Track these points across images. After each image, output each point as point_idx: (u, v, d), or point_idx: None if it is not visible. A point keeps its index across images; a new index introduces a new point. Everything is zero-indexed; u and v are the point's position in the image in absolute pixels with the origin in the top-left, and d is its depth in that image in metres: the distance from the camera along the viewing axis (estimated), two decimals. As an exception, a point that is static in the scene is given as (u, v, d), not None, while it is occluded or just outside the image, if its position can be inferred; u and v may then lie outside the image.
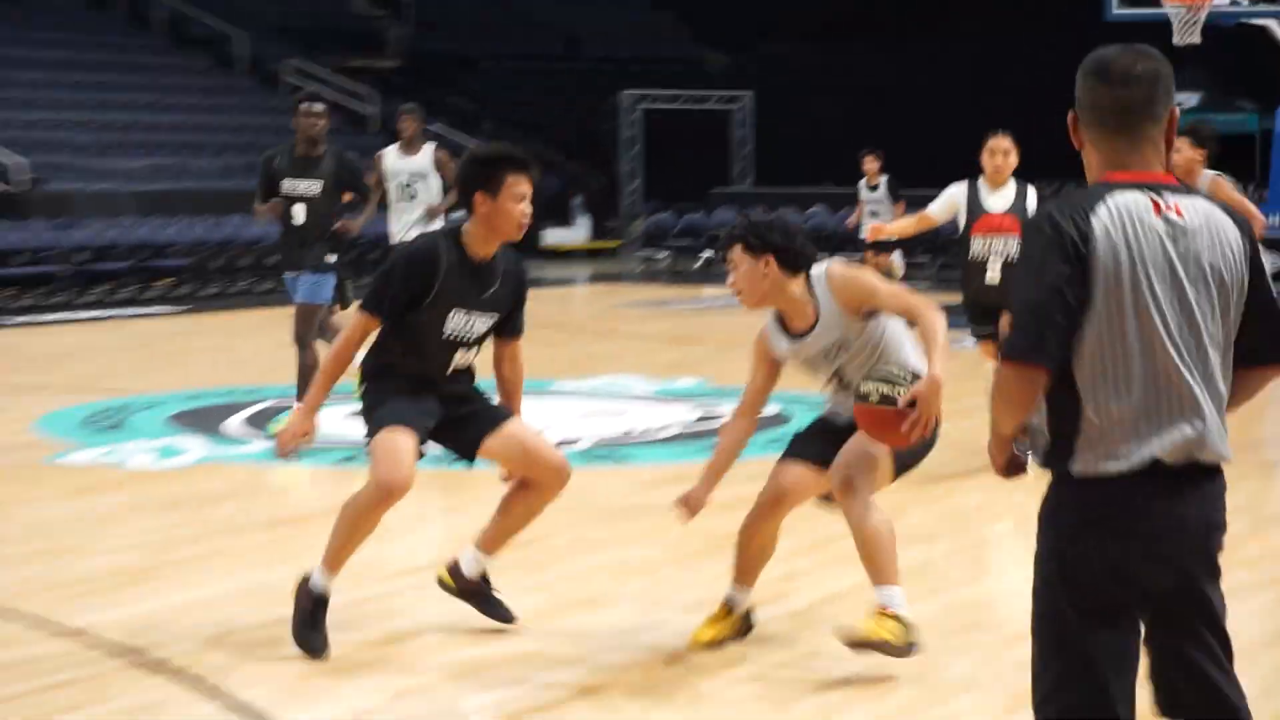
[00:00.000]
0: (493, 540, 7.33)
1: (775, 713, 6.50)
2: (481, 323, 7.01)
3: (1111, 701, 4.11)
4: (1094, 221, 4.01)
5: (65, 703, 6.58)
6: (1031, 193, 11.32)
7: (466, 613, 7.63)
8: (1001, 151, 11.23)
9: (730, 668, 7.08)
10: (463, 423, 7.08)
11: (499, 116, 39.91)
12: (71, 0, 38.06)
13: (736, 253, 6.87)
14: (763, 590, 7.51)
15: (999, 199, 11.29)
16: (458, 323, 6.89)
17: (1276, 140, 28.27)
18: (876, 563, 6.91)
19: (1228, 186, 10.90)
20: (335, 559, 6.93)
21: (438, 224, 15.59)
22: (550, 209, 37.23)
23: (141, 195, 29.15)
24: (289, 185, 12.33)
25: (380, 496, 6.82)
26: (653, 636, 7.56)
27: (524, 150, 7.06)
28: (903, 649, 6.72)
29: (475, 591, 7.37)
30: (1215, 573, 4.16)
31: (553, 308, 25.72)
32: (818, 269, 6.91)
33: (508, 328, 7.22)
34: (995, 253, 11.31)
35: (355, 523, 6.90)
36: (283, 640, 6.90)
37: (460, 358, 7.04)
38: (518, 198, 6.75)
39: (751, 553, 7.39)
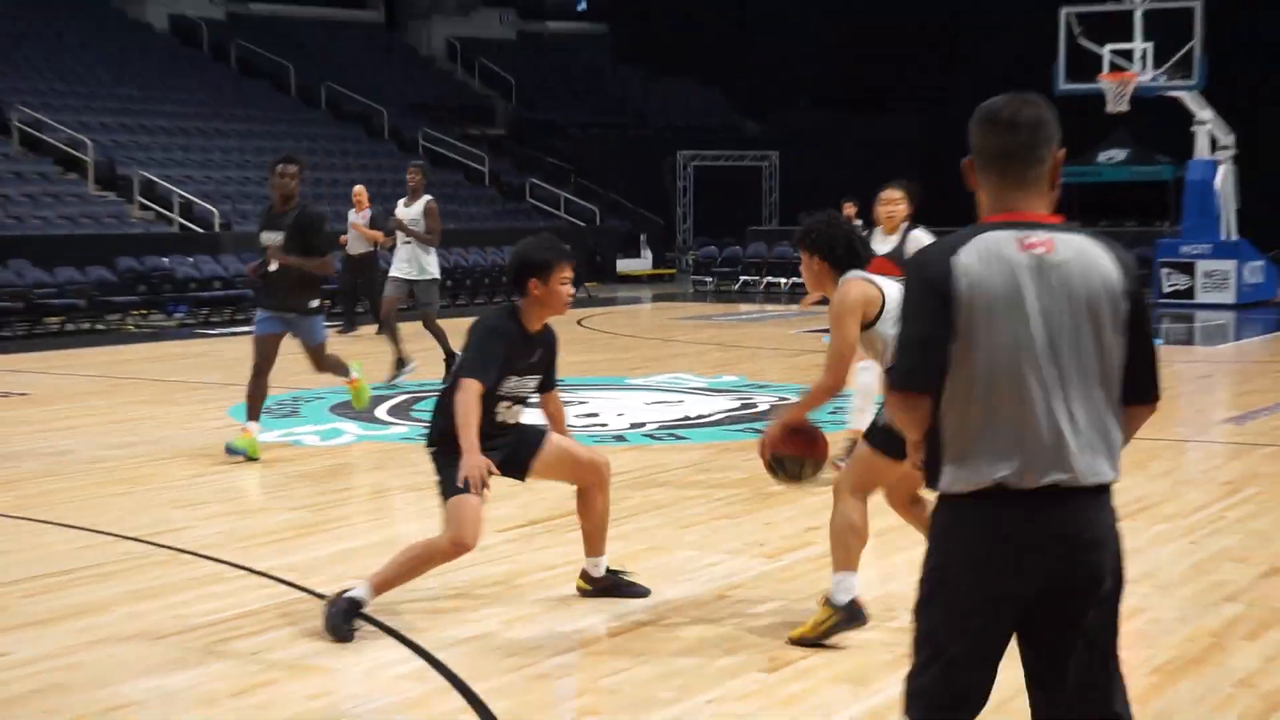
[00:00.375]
0: (594, 543, 7.04)
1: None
2: (530, 383, 6.74)
3: (964, 688, 3.69)
4: (956, 260, 3.58)
5: (252, 627, 6.63)
6: (916, 236, 10.23)
7: (557, 560, 7.66)
8: (889, 201, 10.31)
9: (764, 602, 7.08)
10: (511, 452, 6.74)
11: (582, 172, 39.94)
12: (257, 86, 38.21)
13: (802, 249, 6.68)
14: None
15: (884, 244, 10.30)
16: (513, 385, 6.61)
17: (1187, 186, 28.09)
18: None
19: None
20: (384, 585, 6.52)
21: (431, 256, 15.85)
22: (623, 244, 37.27)
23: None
24: (265, 237, 10.97)
25: (451, 553, 6.46)
26: (707, 574, 7.57)
27: (566, 245, 6.85)
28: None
29: (610, 585, 7.08)
30: (1090, 588, 3.64)
31: (624, 320, 25.73)
32: (844, 276, 6.60)
33: (545, 383, 6.90)
34: None
35: (416, 566, 6.54)
36: (414, 582, 6.91)
37: (509, 412, 6.69)
38: (564, 281, 6.60)
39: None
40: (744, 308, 28.51)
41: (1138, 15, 27.01)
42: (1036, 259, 3.59)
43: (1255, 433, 12.29)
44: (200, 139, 32.67)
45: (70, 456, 10.72)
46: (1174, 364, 17.00)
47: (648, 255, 37.81)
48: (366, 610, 6.49)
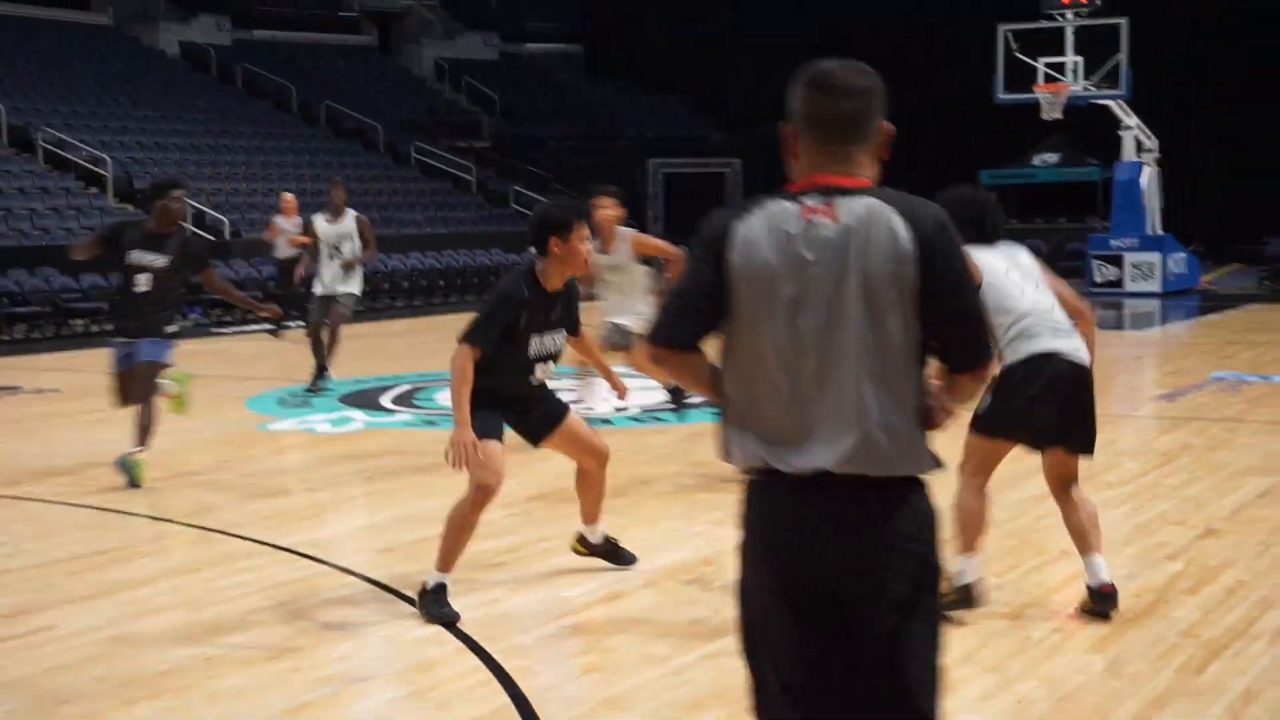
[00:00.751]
0: (593, 512, 6.99)
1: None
2: (557, 338, 6.59)
3: (795, 701, 3.10)
4: (737, 226, 3.14)
5: (281, 597, 6.64)
6: (622, 233, 10.28)
7: (556, 533, 7.67)
8: (600, 208, 10.00)
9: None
10: (533, 417, 6.64)
11: (562, 180, 39.96)
12: (262, 106, 38.08)
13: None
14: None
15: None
16: (540, 345, 6.45)
17: (1115, 186, 28.19)
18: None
19: (645, 239, 10.34)
20: (447, 560, 6.31)
21: (357, 273, 14.23)
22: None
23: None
24: (136, 256, 9.65)
25: (480, 498, 6.27)
26: (693, 544, 7.60)
27: (581, 205, 6.78)
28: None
29: (605, 550, 7.06)
30: (871, 586, 3.04)
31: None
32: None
33: (570, 330, 6.79)
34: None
35: (461, 526, 6.31)
36: (427, 554, 6.91)
37: (545, 371, 6.56)
38: (583, 239, 6.46)
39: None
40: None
41: (1069, 31, 27.11)
42: (815, 228, 3.09)
43: (1184, 408, 12.36)
44: (211, 155, 32.55)
45: (102, 447, 10.70)
46: (1108, 347, 17.09)
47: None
48: (418, 586, 6.49)
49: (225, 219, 28.40)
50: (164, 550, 7.72)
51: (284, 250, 20.25)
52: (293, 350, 17.56)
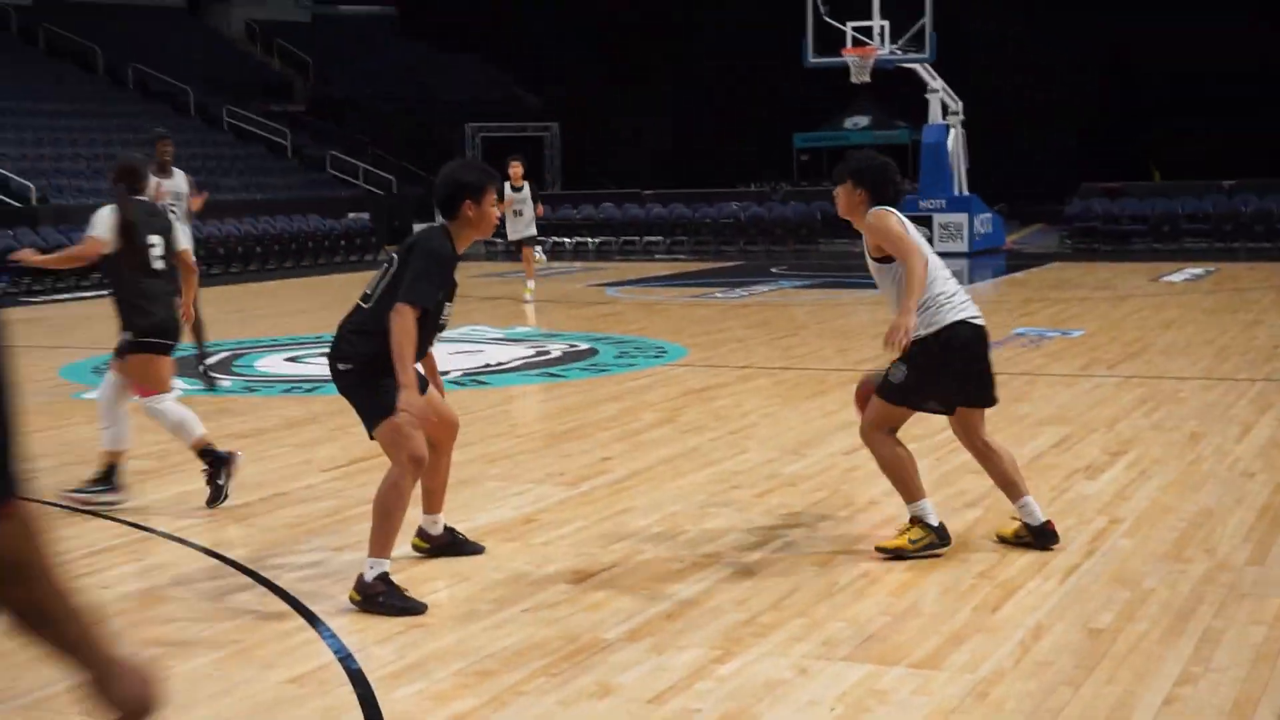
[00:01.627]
0: (436, 500, 6.60)
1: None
2: (450, 309, 6.20)
3: None
4: None
5: (102, 564, 6.62)
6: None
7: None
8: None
9: (568, 523, 7.26)
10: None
11: (378, 143, 39.60)
12: (66, 68, 37.07)
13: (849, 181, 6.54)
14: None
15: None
16: (448, 309, 6.14)
17: (923, 148, 28.88)
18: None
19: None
20: (386, 545, 5.91)
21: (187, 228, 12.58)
22: (418, 210, 37.03)
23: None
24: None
25: (415, 471, 5.92)
26: (515, 502, 7.72)
27: (490, 168, 6.34)
28: (920, 553, 6.37)
29: (447, 544, 6.66)
30: None
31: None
32: (877, 208, 6.47)
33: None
34: None
35: (398, 505, 5.90)
36: (251, 517, 6.92)
37: (434, 340, 6.23)
38: (493, 203, 6.09)
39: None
40: (548, 262, 28.56)
41: (876, -4, 27.71)
42: None
43: (987, 363, 12.80)
44: (14, 118, 31.65)
45: None
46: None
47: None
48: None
49: (31, 185, 27.68)
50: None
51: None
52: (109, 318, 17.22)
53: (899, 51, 27.66)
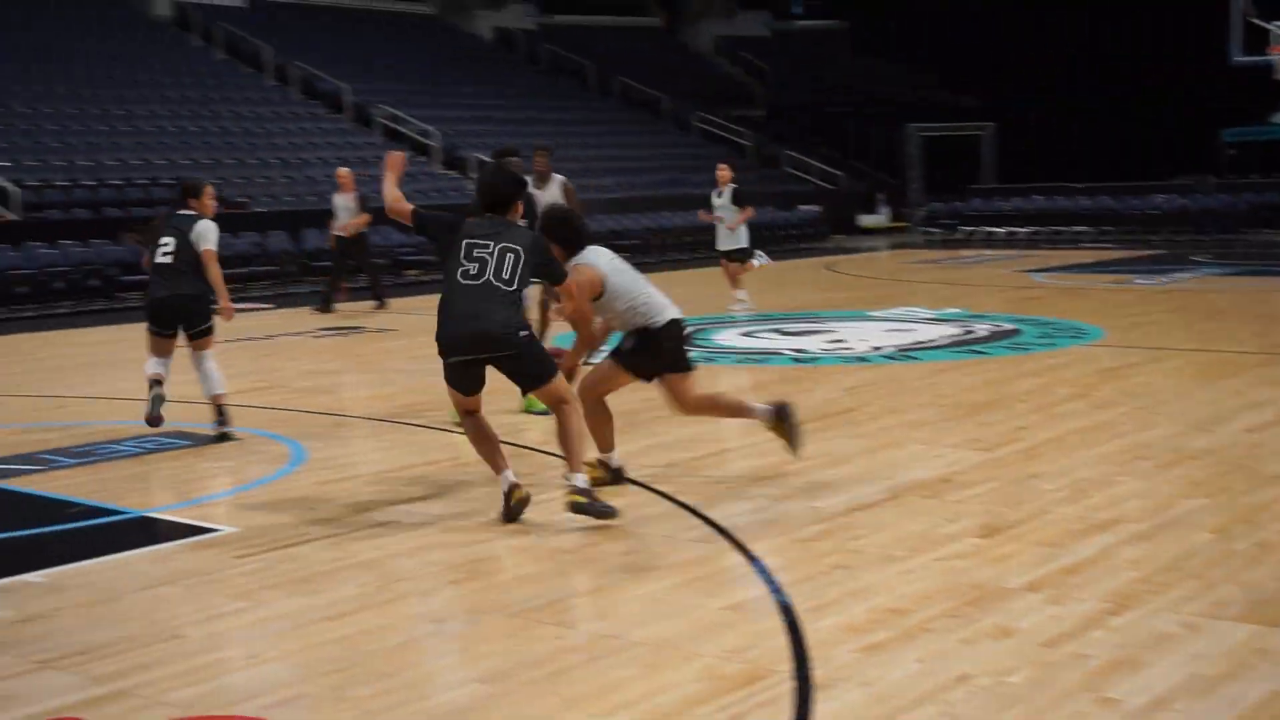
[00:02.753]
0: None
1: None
2: None
3: None
4: None
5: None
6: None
7: (813, 449, 7.90)
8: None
9: (982, 483, 7.23)
10: None
11: (830, 144, 39.84)
12: (563, 82, 38.93)
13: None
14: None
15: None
16: None
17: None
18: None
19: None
20: (580, 458, 6.62)
21: None
22: (862, 203, 37.04)
23: (611, 200, 30.20)
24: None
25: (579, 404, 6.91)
26: (935, 463, 7.73)
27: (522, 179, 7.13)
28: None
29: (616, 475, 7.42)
30: None
31: (865, 265, 25.69)
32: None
33: None
34: None
35: (580, 433, 6.68)
36: (702, 470, 7.16)
37: None
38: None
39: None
40: (965, 252, 28.16)
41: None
42: None
43: None
44: (520, 126, 33.50)
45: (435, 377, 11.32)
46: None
47: (884, 212, 37.44)
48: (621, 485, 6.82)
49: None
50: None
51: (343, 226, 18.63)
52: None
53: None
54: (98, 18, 32.91)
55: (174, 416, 9.51)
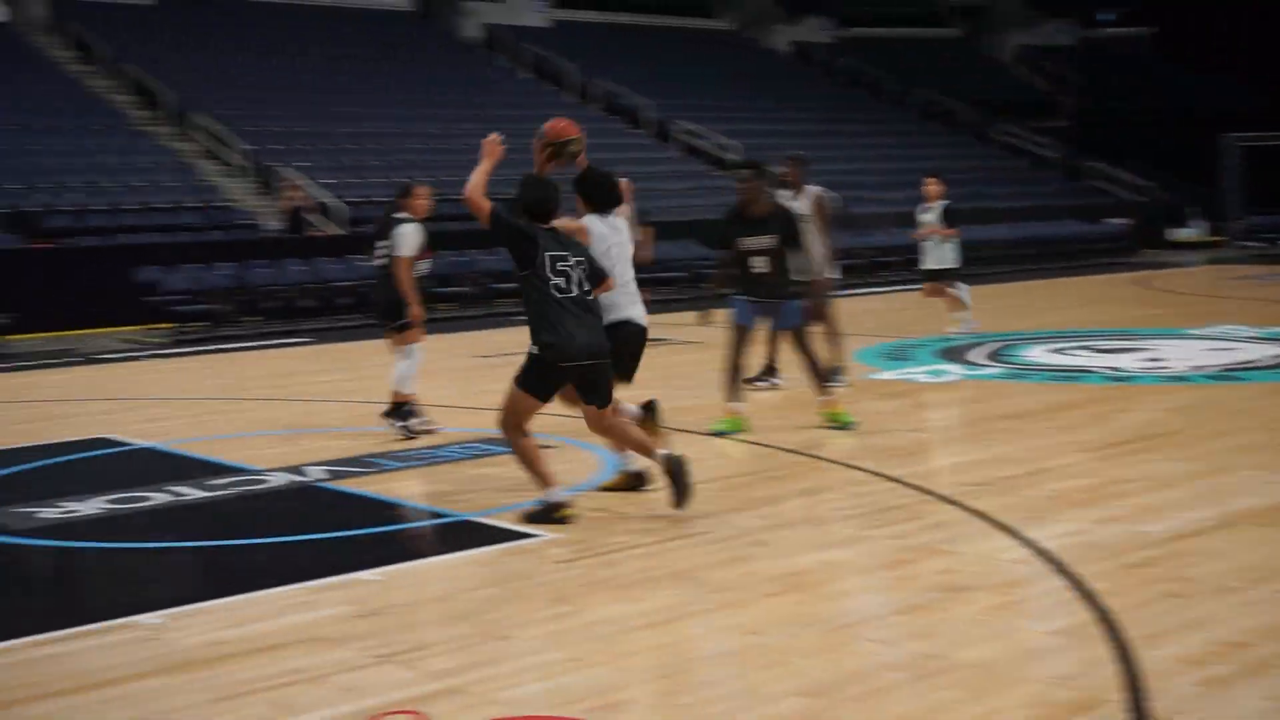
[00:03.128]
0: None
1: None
2: None
3: None
4: None
5: (893, 519, 6.96)
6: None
7: (1133, 473, 7.59)
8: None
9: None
10: None
11: (1138, 155, 38.39)
12: (858, 94, 38.68)
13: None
14: None
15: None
16: None
17: None
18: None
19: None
20: (646, 449, 7.17)
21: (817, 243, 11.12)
22: (1172, 215, 35.51)
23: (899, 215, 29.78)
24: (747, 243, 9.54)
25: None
26: (1268, 490, 7.34)
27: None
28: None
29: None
30: None
31: (1180, 281, 24.59)
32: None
33: None
34: None
35: (636, 434, 7.27)
36: (1015, 489, 6.98)
37: None
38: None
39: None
40: (1287, 268, 26.73)
41: None
42: None
43: None
44: (817, 139, 33.44)
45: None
46: None
47: (1197, 225, 35.79)
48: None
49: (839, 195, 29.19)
50: (794, 476, 8.22)
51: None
52: (902, 309, 17.96)
53: None
54: (414, 41, 34.45)
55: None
